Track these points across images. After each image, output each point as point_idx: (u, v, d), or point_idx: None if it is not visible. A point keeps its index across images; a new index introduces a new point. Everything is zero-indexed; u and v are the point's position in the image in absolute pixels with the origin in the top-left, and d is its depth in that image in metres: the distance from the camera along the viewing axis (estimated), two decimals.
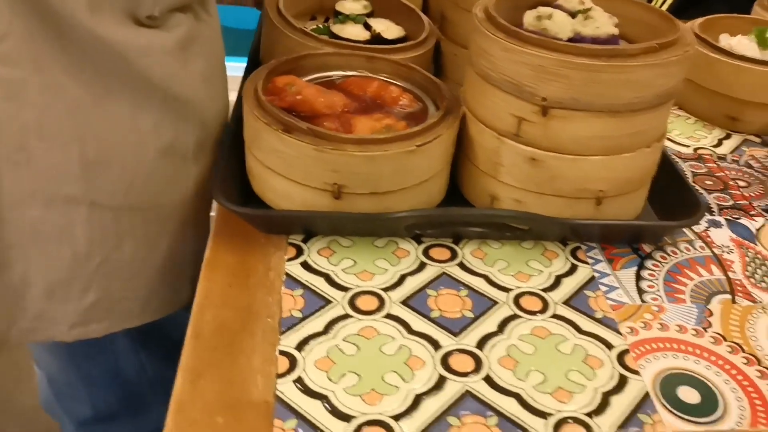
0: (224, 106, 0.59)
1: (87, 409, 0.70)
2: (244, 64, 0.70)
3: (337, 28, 0.69)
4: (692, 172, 0.66)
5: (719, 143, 0.72)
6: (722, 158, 0.69)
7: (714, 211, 0.60)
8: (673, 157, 0.67)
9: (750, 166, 0.68)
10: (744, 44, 0.75)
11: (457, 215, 0.53)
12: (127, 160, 0.49)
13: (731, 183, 0.65)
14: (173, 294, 0.58)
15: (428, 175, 0.52)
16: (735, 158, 0.69)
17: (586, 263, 0.52)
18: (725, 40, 0.77)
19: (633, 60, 0.47)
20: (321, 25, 0.71)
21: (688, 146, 0.71)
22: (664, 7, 1.28)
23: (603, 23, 0.52)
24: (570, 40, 0.51)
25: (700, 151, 0.70)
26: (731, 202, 0.62)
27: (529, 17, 0.53)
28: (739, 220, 0.59)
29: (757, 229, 0.59)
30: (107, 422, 0.71)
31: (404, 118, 0.55)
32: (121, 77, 0.47)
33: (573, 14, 0.54)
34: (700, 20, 0.79)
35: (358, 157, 0.48)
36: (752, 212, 0.61)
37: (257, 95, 0.52)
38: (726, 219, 0.59)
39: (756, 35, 0.75)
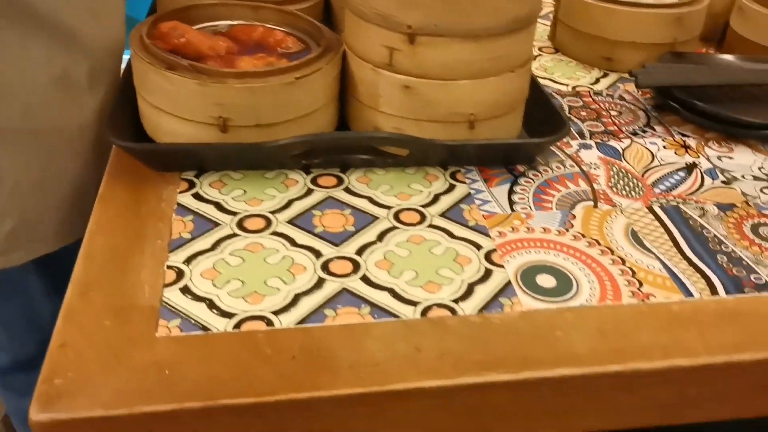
0: (118, 39, 0.62)
1: (5, 357, 0.71)
2: None
3: None
4: (569, 105, 0.72)
5: (597, 81, 0.78)
6: (598, 93, 0.75)
7: (585, 136, 0.66)
8: (547, 89, 0.72)
9: (623, 99, 0.74)
10: None
11: (337, 139, 0.57)
12: (22, 86, 0.52)
13: (604, 113, 0.71)
14: (85, 218, 0.60)
15: (312, 108, 0.56)
16: (610, 93, 0.75)
17: (464, 183, 0.57)
18: None
19: None
20: None
21: (568, 85, 0.76)
22: None
23: None
24: None
25: (578, 89, 0.76)
26: (602, 129, 0.68)
27: None
28: (608, 143, 0.65)
29: (624, 149, 0.64)
30: (27, 370, 0.72)
31: (287, 58, 0.58)
32: (8, 10, 0.49)
33: None
34: None
35: (240, 89, 0.51)
36: (621, 135, 0.67)
37: (142, 39, 0.54)
38: (596, 142, 0.65)
39: None
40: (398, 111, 0.56)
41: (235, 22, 0.62)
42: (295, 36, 0.61)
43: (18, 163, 0.54)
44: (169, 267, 0.45)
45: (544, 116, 0.61)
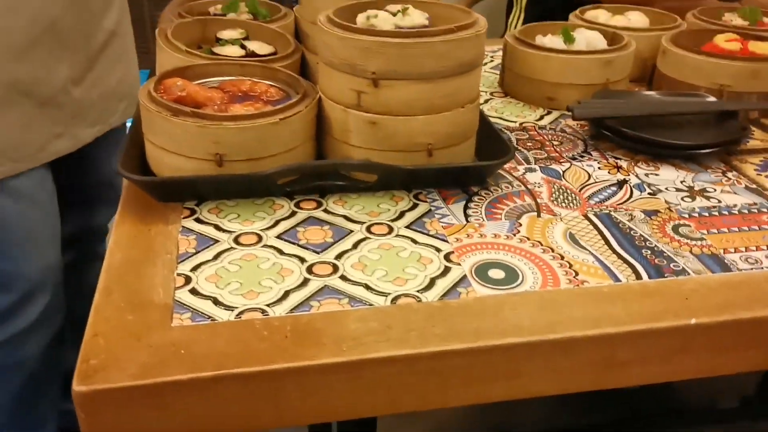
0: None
1: None
2: None
3: (218, 50, 0.83)
4: (516, 138, 0.83)
5: (541, 118, 0.89)
6: (542, 128, 0.86)
7: (531, 162, 0.77)
8: (497, 125, 0.83)
9: (564, 131, 0.86)
10: (553, 41, 0.94)
11: (315, 166, 0.66)
12: None
13: (547, 143, 0.82)
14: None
15: (294, 144, 0.65)
16: (552, 127, 0.87)
17: (426, 202, 0.66)
18: (539, 40, 0.96)
19: (434, 37, 0.63)
20: (206, 49, 0.84)
21: (516, 122, 0.88)
22: (518, 26, 1.51)
23: (416, 17, 0.68)
24: None
25: (524, 125, 0.87)
26: (545, 155, 0.78)
27: (360, 18, 0.69)
28: (550, 166, 0.76)
29: (564, 171, 0.75)
30: None
31: (272, 104, 0.68)
32: None
33: (394, 14, 0.70)
34: (521, 27, 0.98)
35: (233, 129, 0.61)
36: (561, 160, 0.77)
37: (150, 92, 0.64)
38: (540, 166, 0.76)
39: (562, 32, 0.94)
40: (366, 143, 0.66)
41: (225, 78, 0.73)
42: (277, 87, 0.72)
43: None
44: (178, 274, 0.53)
45: (493, 146, 0.72)
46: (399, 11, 0.69)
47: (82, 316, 1.19)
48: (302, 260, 0.56)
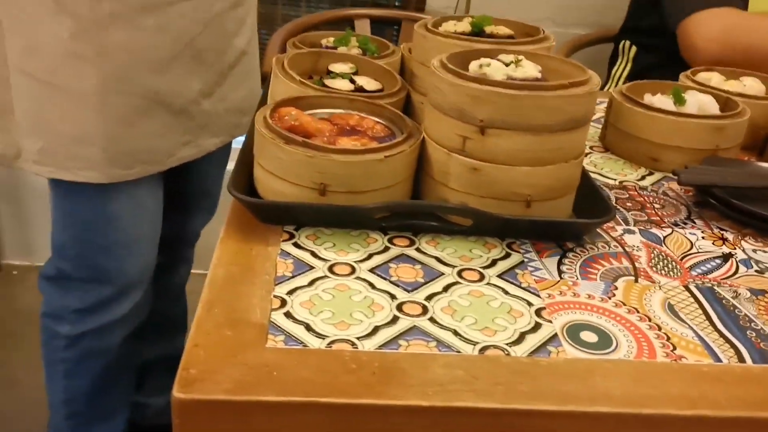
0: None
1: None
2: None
3: (329, 82, 0.86)
4: (616, 197, 0.81)
5: (642, 178, 0.87)
6: (644, 189, 0.84)
7: (630, 223, 0.75)
8: (597, 181, 0.81)
9: (666, 195, 0.83)
10: (663, 101, 0.92)
11: (414, 205, 0.67)
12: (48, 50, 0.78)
13: (648, 205, 0.80)
14: (87, 161, 0.88)
15: (394, 181, 0.67)
16: (654, 189, 0.84)
17: (519, 252, 0.66)
18: (648, 98, 0.94)
19: (547, 92, 0.63)
20: (317, 80, 0.88)
21: (615, 180, 0.86)
22: (623, 77, 1.49)
23: (529, 69, 0.69)
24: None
25: (625, 183, 0.85)
26: (646, 218, 0.76)
27: (473, 66, 0.70)
28: (650, 230, 0.73)
29: (665, 236, 0.72)
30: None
31: (378, 141, 0.70)
32: None
33: (507, 64, 0.70)
34: (628, 84, 0.96)
35: (339, 162, 0.63)
36: (663, 225, 0.75)
37: (265, 119, 0.68)
38: (639, 228, 0.73)
39: (673, 93, 0.92)
40: (465, 188, 0.67)
41: (334, 111, 0.76)
42: (382, 123, 0.74)
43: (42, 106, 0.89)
44: (275, 296, 0.55)
45: (592, 203, 0.71)
46: (512, 62, 0.70)
47: (164, 314, 1.28)
48: (393, 297, 0.57)
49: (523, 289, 0.60)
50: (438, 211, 0.67)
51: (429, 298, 0.57)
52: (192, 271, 1.28)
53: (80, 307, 0.97)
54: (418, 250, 0.65)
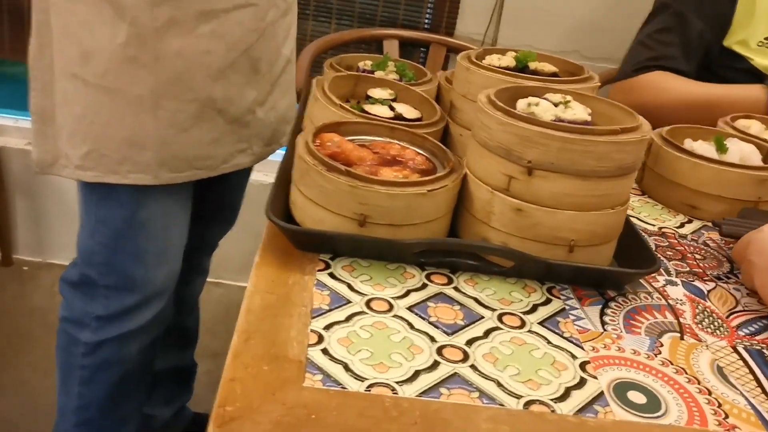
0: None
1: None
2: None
3: (368, 108, 0.85)
4: (656, 244, 0.79)
5: (682, 225, 0.85)
6: (683, 237, 0.82)
7: (672, 274, 0.73)
8: (637, 227, 0.79)
9: (707, 245, 0.81)
10: (704, 147, 0.90)
11: (457, 243, 0.66)
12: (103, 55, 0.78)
13: (689, 255, 0.78)
14: (137, 164, 0.87)
15: (435, 216, 0.65)
16: (694, 238, 0.82)
17: (559, 298, 0.64)
18: (688, 144, 0.92)
19: (598, 137, 0.61)
20: (356, 105, 0.87)
21: (654, 225, 0.84)
22: None
23: (579, 111, 0.67)
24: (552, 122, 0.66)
25: (664, 230, 0.83)
26: (687, 269, 0.74)
27: (521, 104, 0.69)
28: (693, 282, 0.71)
29: (708, 291, 0.70)
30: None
31: (418, 173, 0.69)
32: None
33: (556, 104, 0.69)
34: (668, 127, 0.95)
35: (382, 194, 0.62)
36: (705, 278, 0.73)
37: (307, 144, 0.66)
38: (682, 280, 0.71)
39: (715, 140, 0.90)
40: (507, 228, 0.65)
41: (375, 138, 0.75)
42: (423, 155, 0.73)
43: (95, 108, 0.87)
44: (312, 330, 0.53)
45: (635, 251, 0.69)
46: (561, 102, 0.69)
47: (177, 325, 1.26)
48: (432, 339, 0.55)
49: (566, 339, 0.58)
50: (481, 252, 0.65)
51: (470, 342, 0.55)
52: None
53: (103, 314, 0.96)
54: (456, 289, 0.63)
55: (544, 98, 0.71)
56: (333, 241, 0.64)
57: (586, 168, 0.62)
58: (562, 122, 0.66)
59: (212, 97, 0.88)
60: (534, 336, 0.58)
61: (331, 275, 0.62)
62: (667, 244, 0.80)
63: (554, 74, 0.85)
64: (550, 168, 0.62)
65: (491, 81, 0.76)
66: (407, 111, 0.88)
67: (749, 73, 1.19)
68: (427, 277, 0.64)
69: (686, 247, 0.79)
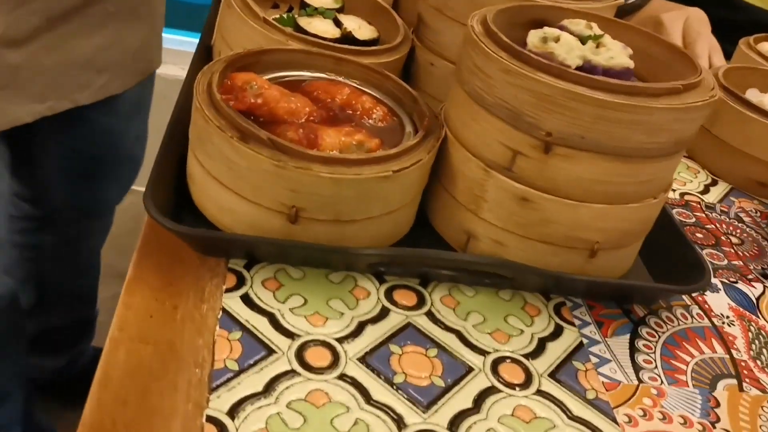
0: None
1: None
2: (196, 40, 0.63)
3: (304, 22, 0.61)
4: (681, 220, 0.61)
5: (706, 190, 0.67)
6: (711, 208, 0.64)
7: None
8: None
9: (740, 220, 0.63)
10: None
11: (429, 258, 0.45)
12: None
13: (723, 239, 0.60)
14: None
15: (399, 204, 0.45)
16: (724, 209, 0.64)
17: (573, 324, 0.46)
18: (755, 96, 0.69)
19: (654, 101, 0.41)
20: (285, 15, 0.62)
21: (675, 190, 0.66)
22: None
23: (617, 53, 0.46)
24: (579, 68, 0.44)
25: (686, 197, 0.65)
26: (726, 262, 0.56)
27: (533, 38, 0.46)
28: (736, 285, 0.54)
29: (757, 297, 0.53)
30: None
31: (377, 134, 0.47)
32: None
33: (582, 39, 0.47)
34: (724, 67, 0.72)
35: (325, 178, 0.40)
36: (749, 276, 0.55)
37: (211, 92, 0.43)
38: (722, 282, 0.54)
39: None
40: (504, 223, 0.45)
41: (315, 74, 0.51)
42: (384, 104, 0.50)
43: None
44: (209, 419, 0.33)
45: (670, 247, 0.50)
46: (590, 37, 0.47)
47: (72, 291, 1.03)
48: (399, 422, 0.36)
49: (591, 404, 0.40)
50: (468, 267, 0.45)
51: (454, 422, 0.37)
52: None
53: None
54: (430, 315, 0.43)
55: (562, 27, 0.49)
56: (247, 246, 0.42)
57: (631, 144, 0.41)
58: (594, 70, 0.45)
59: None
60: (545, 402, 0.39)
61: (246, 299, 0.41)
62: (693, 220, 0.62)
63: None
64: (578, 144, 0.41)
65: None
66: (359, 27, 0.63)
67: None
68: (388, 294, 0.44)
69: (717, 225, 0.62)
